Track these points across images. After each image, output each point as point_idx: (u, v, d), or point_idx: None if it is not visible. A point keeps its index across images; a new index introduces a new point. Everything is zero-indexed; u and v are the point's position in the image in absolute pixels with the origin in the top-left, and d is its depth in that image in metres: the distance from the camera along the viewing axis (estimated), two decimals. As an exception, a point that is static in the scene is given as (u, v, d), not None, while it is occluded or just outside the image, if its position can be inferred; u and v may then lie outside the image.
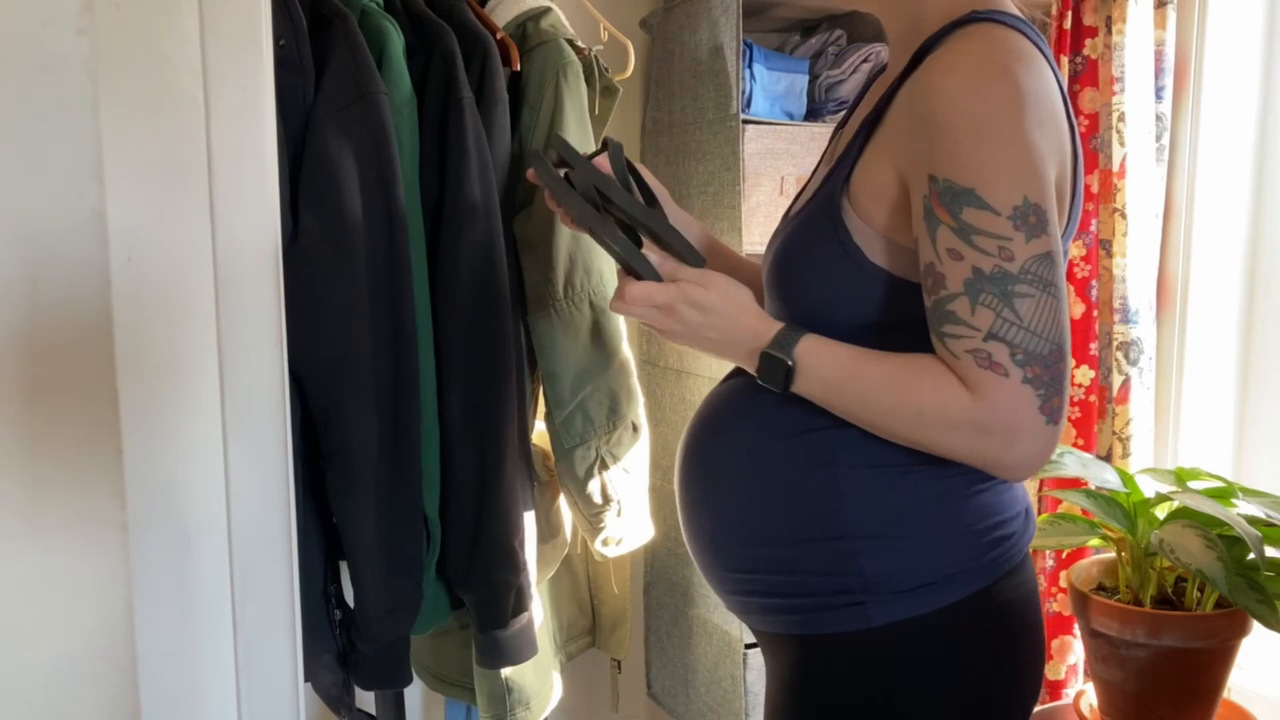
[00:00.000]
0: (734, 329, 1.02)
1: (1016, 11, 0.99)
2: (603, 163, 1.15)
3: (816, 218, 1.02)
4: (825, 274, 1.02)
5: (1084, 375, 1.88)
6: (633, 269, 1.04)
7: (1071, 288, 1.83)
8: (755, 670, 1.89)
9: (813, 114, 2.00)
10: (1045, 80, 0.93)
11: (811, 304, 1.03)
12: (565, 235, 1.51)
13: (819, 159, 1.24)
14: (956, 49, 0.94)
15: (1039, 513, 1.86)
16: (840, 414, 0.99)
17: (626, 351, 1.60)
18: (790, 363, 0.98)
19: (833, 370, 0.97)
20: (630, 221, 1.09)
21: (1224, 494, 1.49)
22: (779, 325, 1.01)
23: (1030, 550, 1.08)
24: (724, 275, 1.04)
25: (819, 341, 0.98)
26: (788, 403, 1.03)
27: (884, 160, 0.98)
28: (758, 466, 1.06)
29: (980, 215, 0.89)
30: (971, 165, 0.90)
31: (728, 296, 1.02)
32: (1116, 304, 1.85)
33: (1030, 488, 1.90)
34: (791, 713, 1.07)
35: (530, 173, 1.13)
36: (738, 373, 1.13)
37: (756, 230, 1.87)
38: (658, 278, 1.03)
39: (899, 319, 0.98)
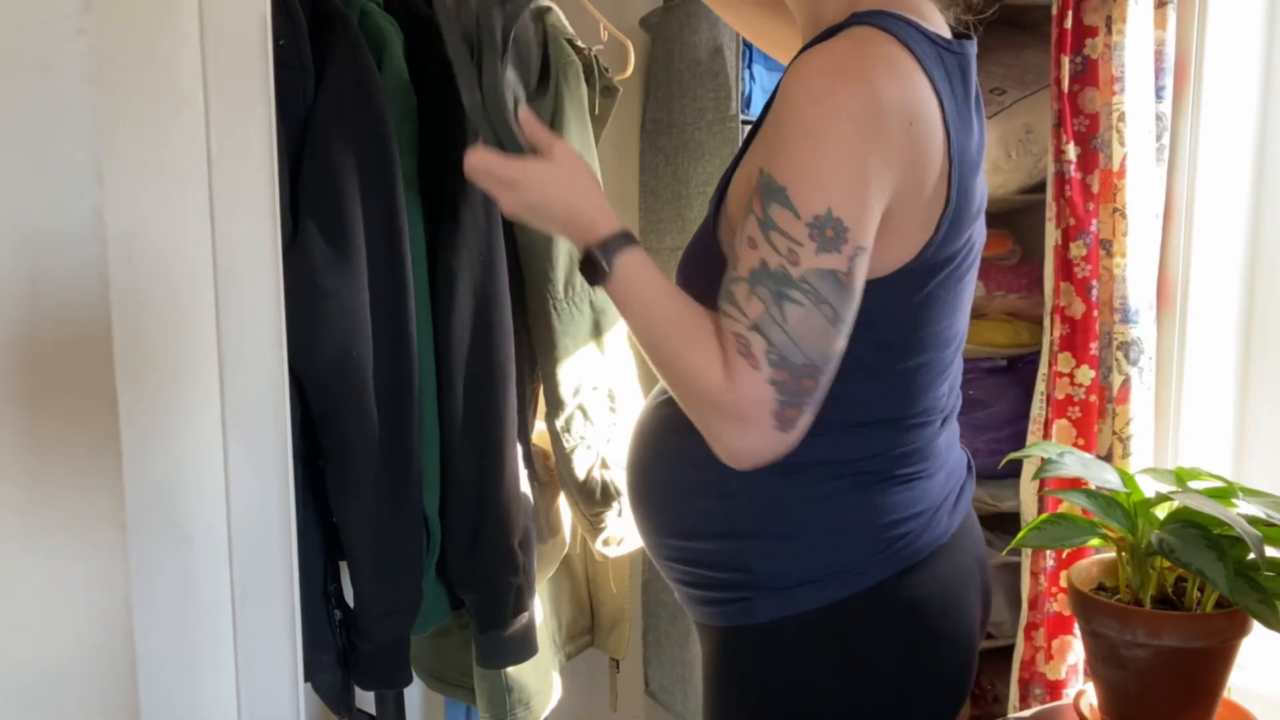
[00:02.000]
0: (572, 217, 1.01)
1: (910, 15, 0.98)
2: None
3: (711, 214, 1.06)
4: (702, 264, 1.05)
5: (1084, 375, 1.87)
6: (493, 137, 0.99)
7: (1072, 287, 1.83)
8: (755, 670, 1.88)
9: (813, 114, 2.00)
10: (906, 88, 0.93)
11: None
12: (565, 235, 1.51)
13: None
14: (818, 50, 0.95)
15: (1039, 512, 1.86)
16: (629, 328, 1.01)
17: (626, 351, 1.60)
18: (606, 269, 0.99)
19: (637, 294, 0.99)
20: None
21: (1224, 494, 1.49)
22: (616, 228, 1.00)
23: (939, 548, 1.08)
24: (580, 160, 1.03)
25: (641, 264, 0.99)
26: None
27: (751, 158, 1.01)
28: (665, 463, 1.10)
29: (783, 214, 0.91)
30: (790, 165, 0.91)
31: (575, 182, 1.01)
32: (1116, 304, 1.85)
33: (1031, 488, 1.90)
34: (710, 700, 1.11)
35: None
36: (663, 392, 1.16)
37: (756, 230, 1.86)
38: (518, 148, 1.00)
39: None
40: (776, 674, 1.05)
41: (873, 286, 0.97)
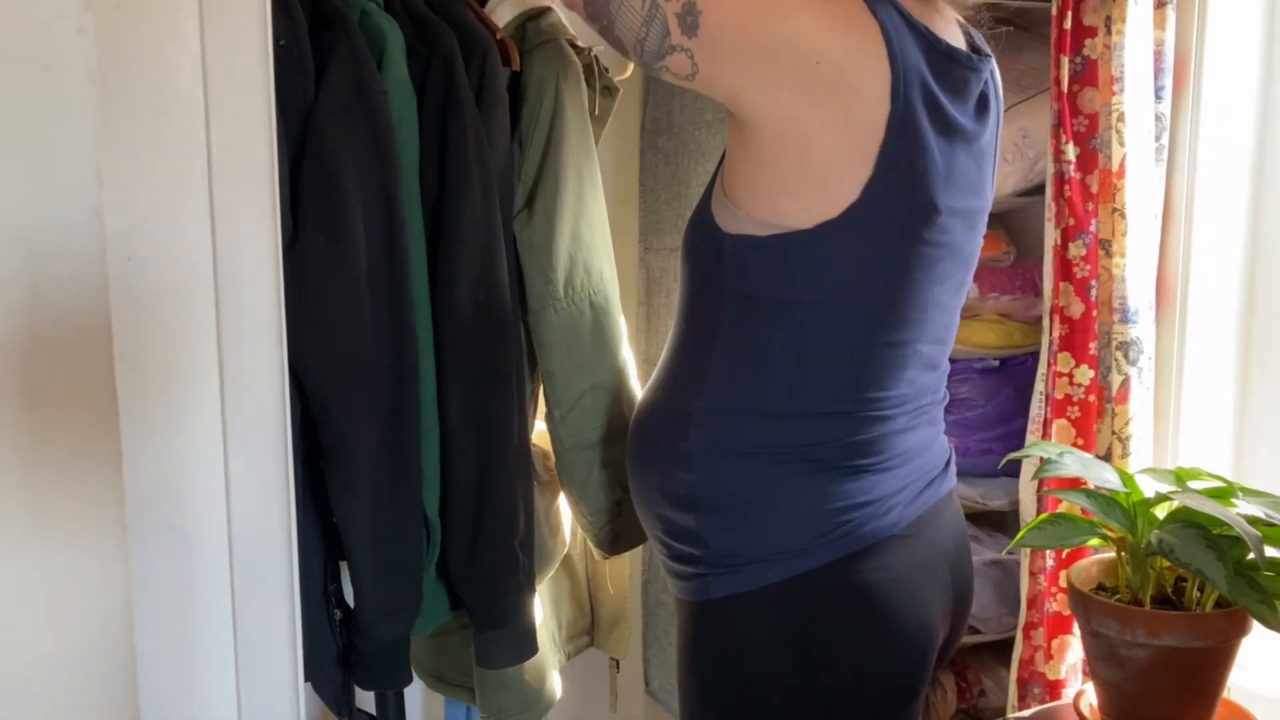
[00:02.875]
0: None
1: (909, 10, 1.02)
2: None
3: (705, 190, 1.14)
4: (697, 240, 1.13)
5: (1083, 375, 1.88)
6: None
7: (1071, 287, 1.83)
8: (755, 670, 1.89)
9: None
10: (834, 36, 0.99)
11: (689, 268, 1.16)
12: (565, 235, 1.52)
13: None
14: None
15: (1038, 512, 1.86)
16: None
17: (627, 351, 1.60)
18: None
19: None
20: None
21: (1224, 494, 1.49)
22: None
23: (891, 538, 1.12)
24: None
25: None
26: (662, 381, 1.17)
27: None
28: (639, 443, 1.21)
29: None
30: None
31: None
32: (1116, 304, 1.85)
33: (1030, 487, 1.90)
34: (678, 671, 1.19)
35: None
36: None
37: (756, 230, 1.86)
38: None
39: (738, 282, 1.08)
40: (728, 650, 1.11)
41: (805, 239, 1.02)
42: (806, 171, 1.02)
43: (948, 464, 1.23)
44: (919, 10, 1.04)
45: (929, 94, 1.02)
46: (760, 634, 1.09)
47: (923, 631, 1.14)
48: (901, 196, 1.03)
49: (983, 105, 1.11)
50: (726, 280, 1.08)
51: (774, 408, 1.09)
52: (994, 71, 1.15)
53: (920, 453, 1.17)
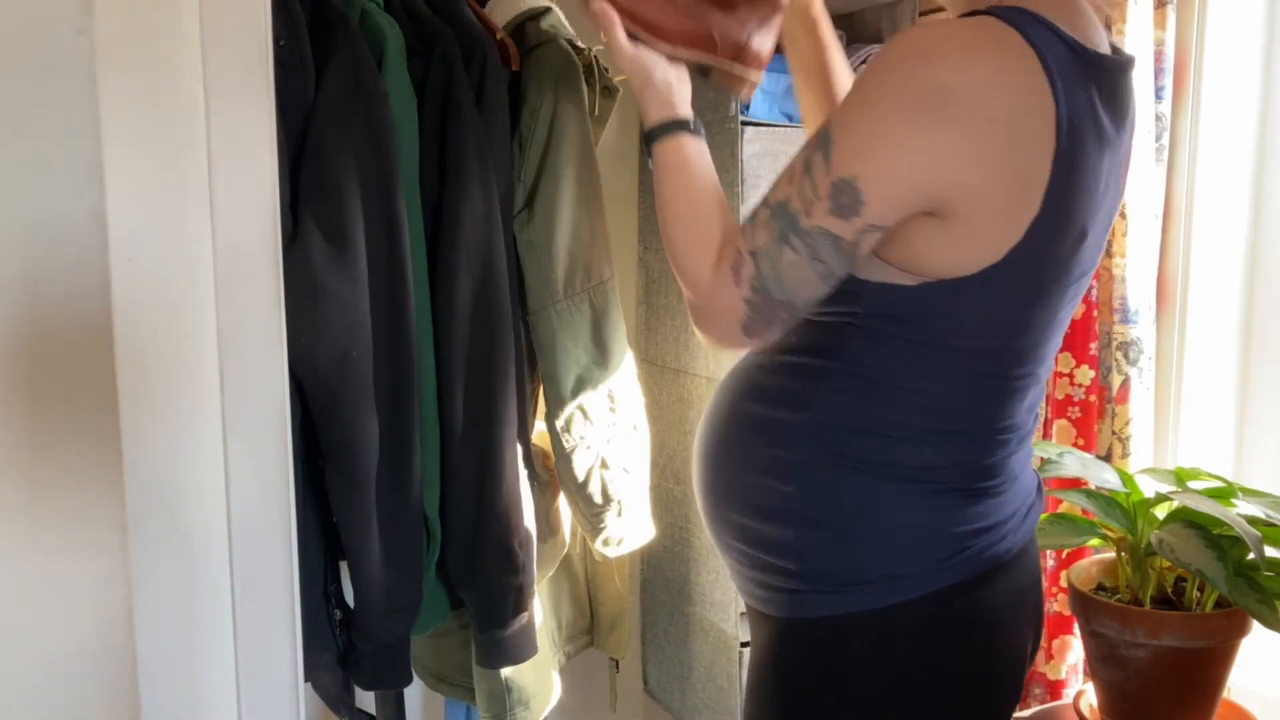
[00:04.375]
0: (642, 97, 1.14)
1: (1053, 19, 0.94)
2: None
3: None
4: None
5: (1084, 375, 1.88)
6: None
7: (1071, 288, 1.84)
8: (755, 670, 1.89)
9: (812, 114, 2.00)
10: (998, 85, 0.90)
11: None
12: (565, 235, 1.51)
13: None
14: (925, 24, 1.00)
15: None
16: (658, 205, 1.12)
17: (626, 351, 1.60)
18: (648, 155, 1.13)
19: (666, 179, 1.11)
20: None
21: (1224, 494, 1.49)
22: (662, 118, 1.13)
23: (1000, 565, 1.06)
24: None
25: (676, 154, 1.11)
26: (772, 390, 1.07)
27: None
28: (737, 433, 1.10)
29: (819, 164, 0.94)
30: (843, 122, 0.94)
31: (648, 69, 1.14)
32: (1116, 304, 1.85)
33: (1030, 488, 1.90)
34: (756, 686, 1.10)
35: None
36: (747, 356, 1.16)
37: (756, 230, 1.87)
38: None
39: (874, 322, 1.02)
40: (821, 672, 1.04)
41: (958, 286, 0.96)
42: (974, 228, 0.94)
43: (1039, 487, 1.17)
44: (1065, 18, 0.95)
45: (1090, 113, 0.95)
46: (858, 658, 1.03)
47: (1021, 659, 1.10)
48: (1060, 228, 0.96)
49: (1127, 109, 1.04)
50: (859, 319, 1.01)
51: (890, 428, 1.01)
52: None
53: (1023, 473, 1.12)
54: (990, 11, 0.94)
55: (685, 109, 1.14)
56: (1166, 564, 1.47)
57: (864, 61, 1.97)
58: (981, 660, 1.05)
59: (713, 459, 1.13)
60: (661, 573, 2.15)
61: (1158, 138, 1.87)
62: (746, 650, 1.88)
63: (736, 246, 1.00)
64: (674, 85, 1.14)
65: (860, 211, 0.92)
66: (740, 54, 1.16)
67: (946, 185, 0.92)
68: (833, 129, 0.94)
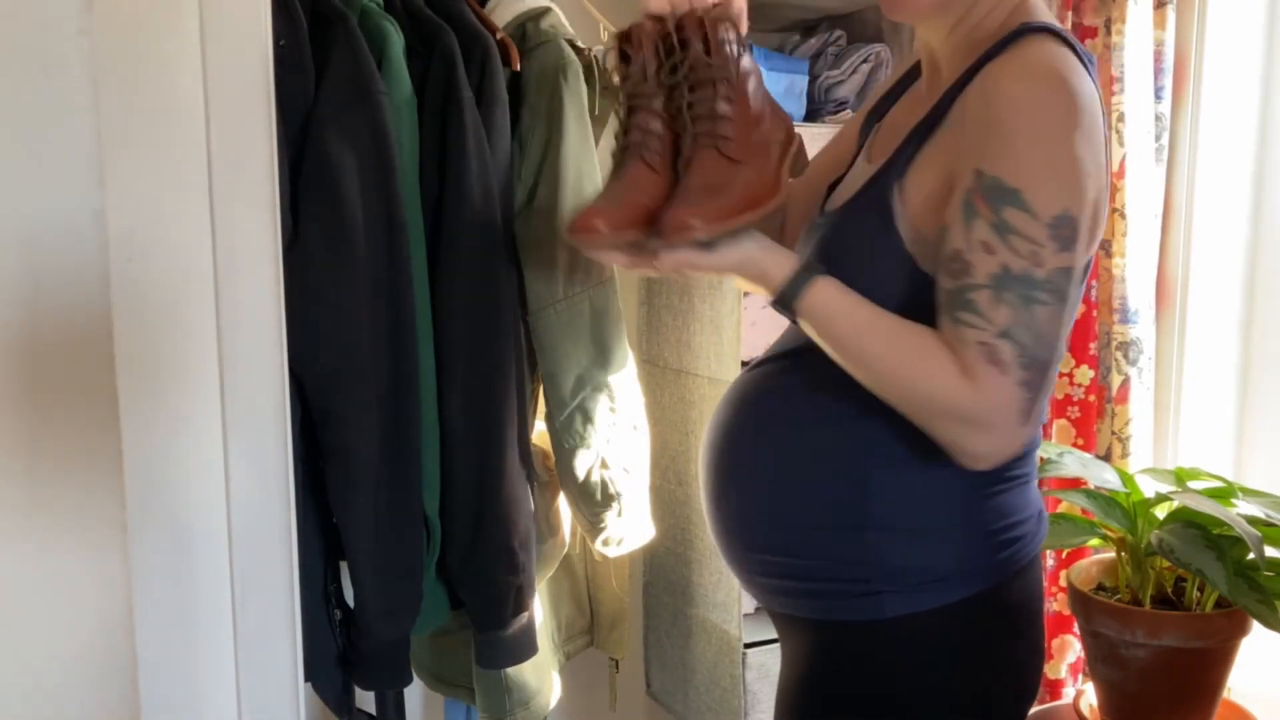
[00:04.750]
0: (750, 277, 1.05)
1: (1060, 26, 1.01)
2: None
3: (866, 213, 1.06)
4: (871, 264, 1.05)
5: (1083, 375, 1.88)
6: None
7: (1071, 288, 1.84)
8: (754, 670, 1.88)
9: (812, 114, 2.00)
10: (1095, 98, 0.97)
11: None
12: (565, 235, 1.51)
13: (817, 155, 1.27)
14: (1019, 57, 0.97)
15: (1039, 513, 1.86)
16: (831, 354, 1.02)
17: (626, 351, 1.60)
18: (792, 316, 1.03)
19: (834, 325, 1.01)
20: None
21: (1224, 494, 1.49)
22: (786, 273, 1.02)
23: (1035, 556, 1.10)
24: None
25: (825, 296, 1.01)
26: (818, 390, 1.06)
27: (937, 160, 1.01)
28: (788, 452, 1.09)
29: (1020, 217, 0.93)
30: (1023, 168, 0.94)
31: (735, 247, 1.04)
32: (1116, 304, 1.85)
33: (1030, 488, 1.90)
34: (800, 696, 1.10)
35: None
36: (766, 360, 1.15)
37: (756, 230, 1.86)
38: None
39: (912, 305, 1.01)
40: (887, 670, 1.06)
41: None
42: (1097, 233, 1.02)
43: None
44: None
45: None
46: (930, 655, 1.05)
47: (1044, 641, 1.15)
48: (1098, 226, 1.02)
49: None
50: (891, 294, 1.03)
51: None
52: None
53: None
54: (1039, 29, 0.99)
55: (787, 253, 1.05)
56: (1166, 564, 1.47)
57: (864, 61, 1.97)
58: (1025, 648, 1.10)
59: (749, 483, 1.11)
60: (664, 574, 2.15)
61: (1157, 138, 1.87)
62: (749, 652, 1.88)
63: (979, 341, 0.94)
64: (759, 244, 1.05)
65: (1079, 236, 0.95)
66: (778, 188, 1.08)
67: (1099, 189, 0.98)
68: (1008, 179, 0.93)
